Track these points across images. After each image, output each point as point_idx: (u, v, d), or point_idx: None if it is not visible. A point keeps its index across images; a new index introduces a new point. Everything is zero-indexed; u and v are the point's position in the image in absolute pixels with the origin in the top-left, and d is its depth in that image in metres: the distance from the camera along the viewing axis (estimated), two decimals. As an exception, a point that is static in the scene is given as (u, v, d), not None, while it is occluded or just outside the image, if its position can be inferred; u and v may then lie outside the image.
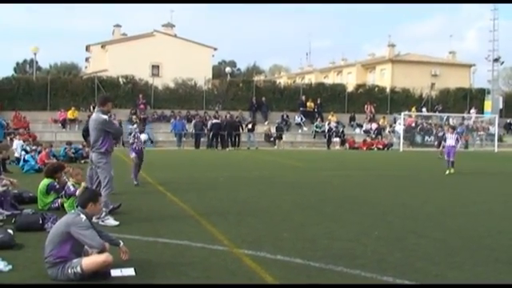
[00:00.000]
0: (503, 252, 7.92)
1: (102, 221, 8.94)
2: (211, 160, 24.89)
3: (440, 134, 33.31)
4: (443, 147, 20.33)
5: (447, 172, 18.99)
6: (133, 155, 14.45)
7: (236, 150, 32.32)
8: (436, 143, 32.77)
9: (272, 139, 36.27)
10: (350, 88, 45.00)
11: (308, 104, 40.34)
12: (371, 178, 18.03)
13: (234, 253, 7.45)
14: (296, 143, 37.51)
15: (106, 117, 9.29)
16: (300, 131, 39.08)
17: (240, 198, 12.64)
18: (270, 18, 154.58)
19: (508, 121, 43.98)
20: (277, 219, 10.04)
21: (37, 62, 53.35)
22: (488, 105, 44.42)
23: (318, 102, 40.44)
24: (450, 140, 19.79)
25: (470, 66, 63.60)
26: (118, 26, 57.90)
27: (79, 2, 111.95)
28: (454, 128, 22.22)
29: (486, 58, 46.93)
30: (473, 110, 43.63)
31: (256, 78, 56.36)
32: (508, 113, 45.04)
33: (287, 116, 38.85)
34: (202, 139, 34.04)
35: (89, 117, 11.90)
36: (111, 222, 9.07)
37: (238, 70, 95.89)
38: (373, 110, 41.84)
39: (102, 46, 53.69)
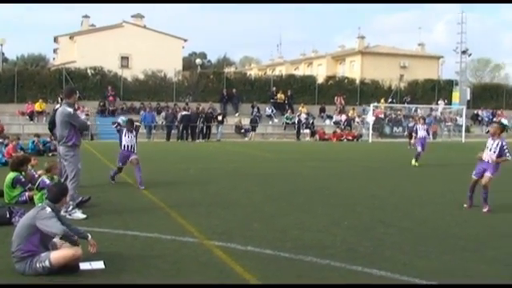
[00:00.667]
0: (469, 241, 8.09)
1: (70, 214, 8.84)
2: (181, 152, 24.79)
3: (410, 124, 33.69)
4: (415, 138, 20.24)
5: (415, 163, 19.00)
6: (119, 164, 13.10)
7: (206, 142, 32.25)
8: (406, 134, 33.11)
9: (243, 131, 36.26)
10: (321, 80, 45.25)
11: (279, 96, 40.43)
12: (341, 169, 18.19)
13: (205, 244, 7.44)
14: (266, 135, 37.59)
15: (71, 110, 9.13)
16: (270, 123, 39.16)
17: (210, 190, 12.62)
18: (240, 10, 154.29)
19: (475, 112, 44.75)
20: (247, 210, 10.07)
21: (3, 54, 52.24)
22: (456, 96, 45.11)
23: (289, 93, 40.56)
24: (422, 131, 19.83)
25: (438, 57, 64.47)
26: (86, 16, 57.05)
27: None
28: (425, 119, 22.32)
29: (454, 49, 47.61)
30: (440, 102, 44.26)
31: (226, 70, 56.20)
32: (475, 104, 45.83)
33: (258, 108, 38.87)
34: (172, 131, 33.88)
35: (54, 110, 11.66)
36: (79, 215, 8.97)
37: (209, 61, 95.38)
38: (343, 101, 42.14)
39: (70, 37, 52.85)
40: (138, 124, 14.17)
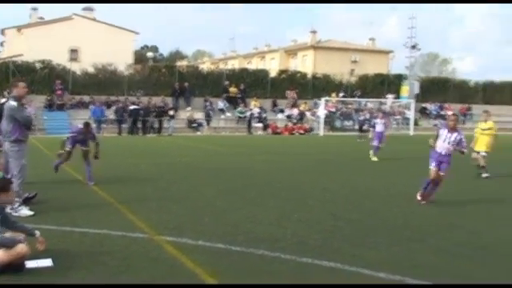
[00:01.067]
0: (415, 231, 8.30)
1: (16, 211, 8.61)
2: (132, 147, 24.47)
3: (360, 118, 34.17)
4: (373, 132, 19.89)
5: (375, 158, 19.05)
6: (69, 147, 12.32)
7: (158, 137, 31.95)
8: (358, 127, 33.51)
9: (195, 125, 36.07)
10: (273, 74, 45.40)
11: (231, 89, 40.36)
12: (293, 163, 18.32)
13: (155, 240, 7.38)
14: (219, 129, 37.49)
15: (15, 103, 8.87)
16: (223, 117, 39.07)
17: (161, 185, 12.52)
18: (193, 3, 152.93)
19: (423, 105, 45.72)
20: (199, 205, 10.03)
21: None
22: (405, 90, 45.98)
23: (242, 87, 40.54)
24: (380, 125, 19.80)
25: (388, 52, 65.69)
26: (34, 9, 55.58)
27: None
28: (384, 113, 22.29)
29: (404, 44, 48.58)
30: (389, 95, 44.98)
31: (179, 64, 55.74)
32: (423, 98, 46.82)
33: (210, 102, 38.72)
34: (124, 125, 33.42)
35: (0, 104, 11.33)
36: (25, 212, 8.75)
37: (161, 55, 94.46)
38: (295, 95, 42.40)
39: (17, 30, 51.44)
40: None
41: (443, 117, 43.38)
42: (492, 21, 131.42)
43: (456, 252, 7.19)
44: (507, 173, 15.85)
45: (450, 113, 38.05)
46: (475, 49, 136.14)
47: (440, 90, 48.59)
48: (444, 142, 10.51)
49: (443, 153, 10.53)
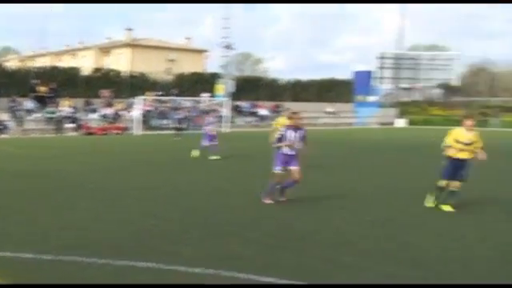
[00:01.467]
0: (233, 225, 8.57)
1: None
2: None
3: (177, 116, 34.31)
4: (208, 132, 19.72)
5: (215, 157, 18.84)
6: None
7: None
8: (174, 126, 33.53)
9: (1, 127, 33.47)
10: (87, 72, 43.84)
11: (41, 89, 38.12)
12: (108, 164, 17.82)
13: (-48, 254, 6.69)
14: (28, 130, 35.19)
15: None
16: (32, 117, 36.74)
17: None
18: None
19: (237, 103, 47.27)
20: (3, 213, 9.27)
21: None
22: (220, 88, 47.18)
23: (52, 86, 38.51)
24: (213, 125, 19.98)
25: (203, 51, 66.90)
26: None
27: None
28: (215, 112, 22.29)
29: (218, 44, 49.71)
30: (204, 94, 45.79)
31: (-20, 61, 51.36)
32: (238, 96, 48.44)
33: (17, 102, 36.20)
34: None
35: None
36: None
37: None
38: (110, 94, 41.37)
39: None
40: None
41: (255, 114, 45.44)
42: (301, 21, 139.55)
43: (268, 242, 7.51)
44: (314, 165, 16.94)
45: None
46: (285, 48, 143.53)
47: (253, 89, 50.70)
48: (291, 141, 10.55)
49: (289, 153, 10.60)
